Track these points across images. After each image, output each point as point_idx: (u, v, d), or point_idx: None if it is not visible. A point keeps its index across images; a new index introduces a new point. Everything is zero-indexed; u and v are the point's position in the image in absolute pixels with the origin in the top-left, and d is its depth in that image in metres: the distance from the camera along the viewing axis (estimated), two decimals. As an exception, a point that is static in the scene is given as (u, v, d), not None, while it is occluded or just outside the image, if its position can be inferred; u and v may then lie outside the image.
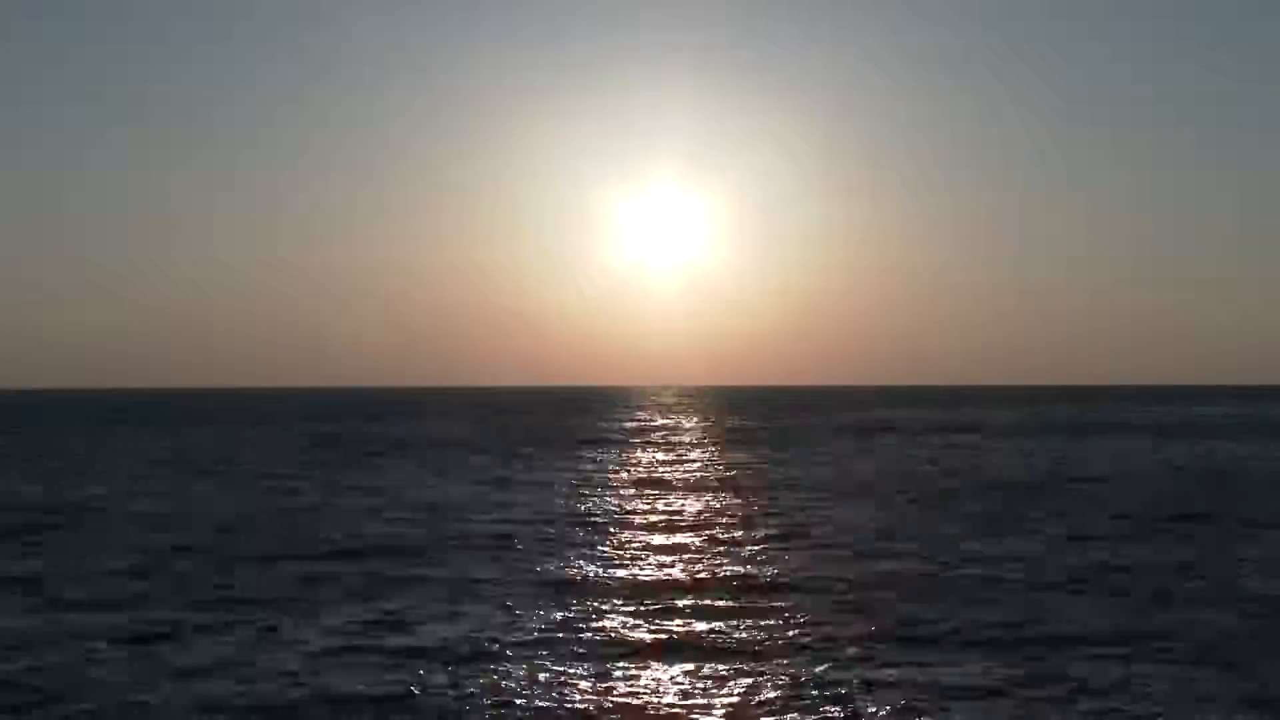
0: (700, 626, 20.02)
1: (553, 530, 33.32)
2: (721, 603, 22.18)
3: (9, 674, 16.59)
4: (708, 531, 32.63)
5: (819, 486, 46.55)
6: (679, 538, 31.39)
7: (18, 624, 20.27)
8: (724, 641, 18.83)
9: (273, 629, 19.83)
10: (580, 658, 17.75)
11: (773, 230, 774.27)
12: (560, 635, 19.30)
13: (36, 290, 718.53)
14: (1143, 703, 14.85)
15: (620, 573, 25.68)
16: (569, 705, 14.98)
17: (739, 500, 41.29)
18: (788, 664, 17.30)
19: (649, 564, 26.92)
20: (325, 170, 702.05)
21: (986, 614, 20.87)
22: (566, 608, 21.80)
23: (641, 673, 16.78)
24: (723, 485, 47.18)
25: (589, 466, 57.83)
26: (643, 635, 19.32)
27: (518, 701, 15.14)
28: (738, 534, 32.15)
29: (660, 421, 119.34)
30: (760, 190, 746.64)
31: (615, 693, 15.65)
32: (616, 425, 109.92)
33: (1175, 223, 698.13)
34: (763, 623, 20.28)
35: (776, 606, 21.77)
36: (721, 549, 29.21)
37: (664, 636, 19.22)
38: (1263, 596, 22.54)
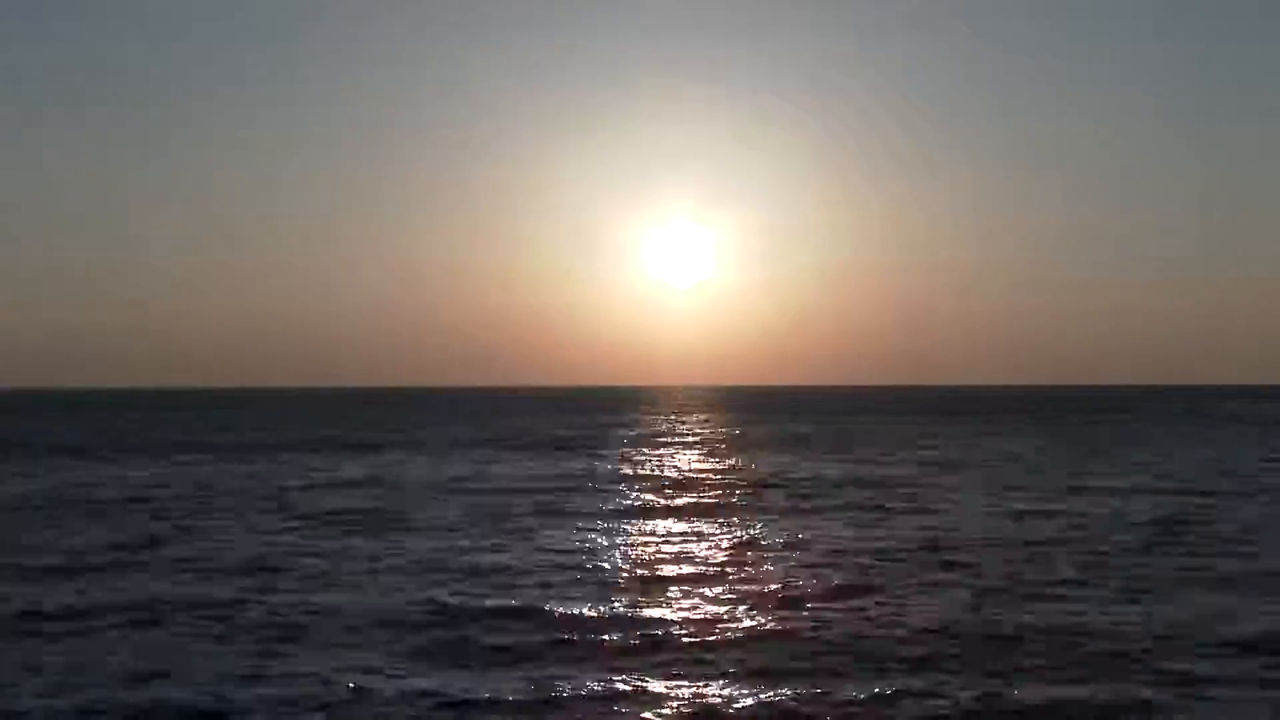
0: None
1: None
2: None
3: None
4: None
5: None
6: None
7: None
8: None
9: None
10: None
11: (780, 245, 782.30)
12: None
13: (36, 290, 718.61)
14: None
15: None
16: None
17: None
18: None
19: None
20: (333, 172, 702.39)
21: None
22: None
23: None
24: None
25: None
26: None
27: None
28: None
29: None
30: (770, 209, 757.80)
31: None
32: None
33: (1180, 221, 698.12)
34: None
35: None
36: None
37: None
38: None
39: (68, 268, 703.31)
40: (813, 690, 17.04)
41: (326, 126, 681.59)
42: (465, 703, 16.79)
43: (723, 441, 61.88)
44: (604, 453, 62.75)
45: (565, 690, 17.13)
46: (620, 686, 17.31)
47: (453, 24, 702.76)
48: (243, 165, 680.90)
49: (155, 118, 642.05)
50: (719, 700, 16.59)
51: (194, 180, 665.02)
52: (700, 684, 17.54)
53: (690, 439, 70.58)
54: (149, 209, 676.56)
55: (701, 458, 54.95)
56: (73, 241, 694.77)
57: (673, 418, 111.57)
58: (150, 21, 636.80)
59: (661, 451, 61.33)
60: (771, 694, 16.89)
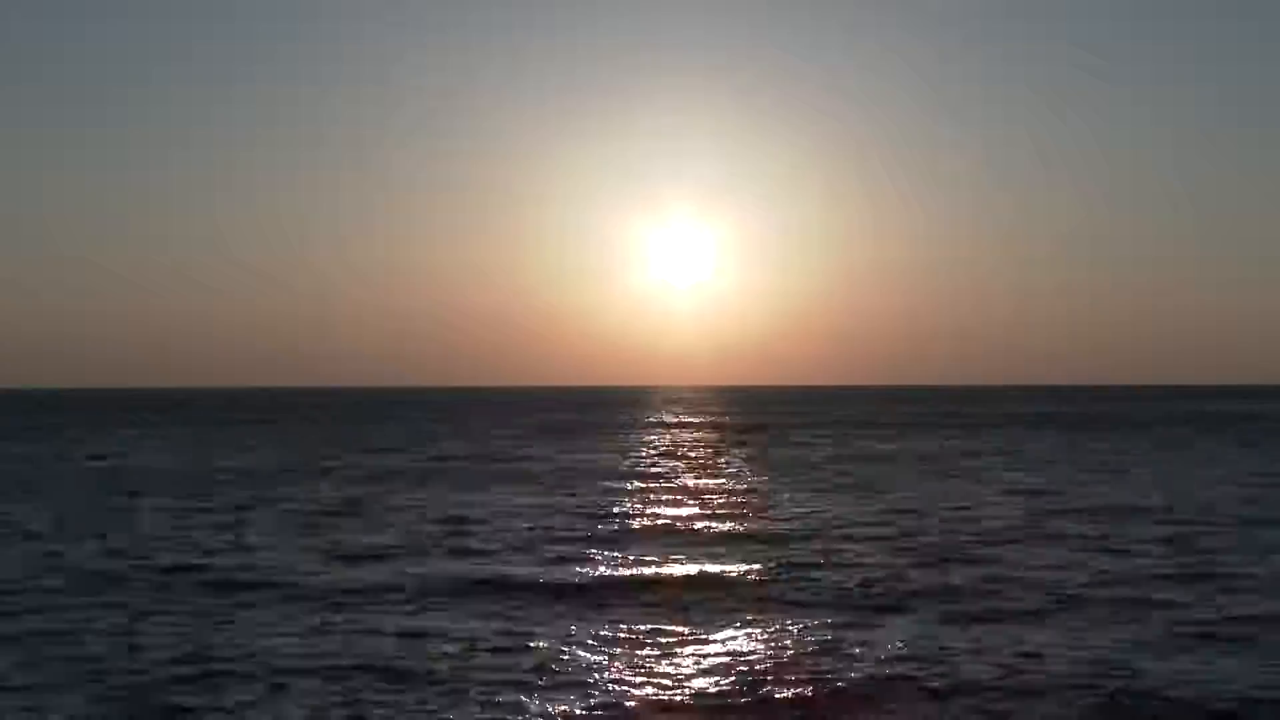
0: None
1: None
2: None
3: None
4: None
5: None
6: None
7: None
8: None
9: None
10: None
11: (781, 246, 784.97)
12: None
13: (36, 290, 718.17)
14: None
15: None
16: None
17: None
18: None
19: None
20: (333, 173, 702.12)
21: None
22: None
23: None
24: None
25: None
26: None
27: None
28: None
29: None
30: (770, 209, 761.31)
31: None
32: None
33: (1176, 222, 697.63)
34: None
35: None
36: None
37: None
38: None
39: (67, 267, 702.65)
40: None
41: (327, 126, 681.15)
42: None
43: (731, 477, 54.90)
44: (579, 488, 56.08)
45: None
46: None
47: (454, 24, 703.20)
48: (243, 165, 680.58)
49: (158, 117, 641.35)
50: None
51: (194, 180, 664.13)
52: None
53: (690, 469, 60.30)
54: (148, 209, 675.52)
55: (702, 504, 43.32)
56: (72, 242, 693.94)
57: (672, 433, 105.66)
58: (150, 21, 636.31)
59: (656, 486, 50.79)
60: None
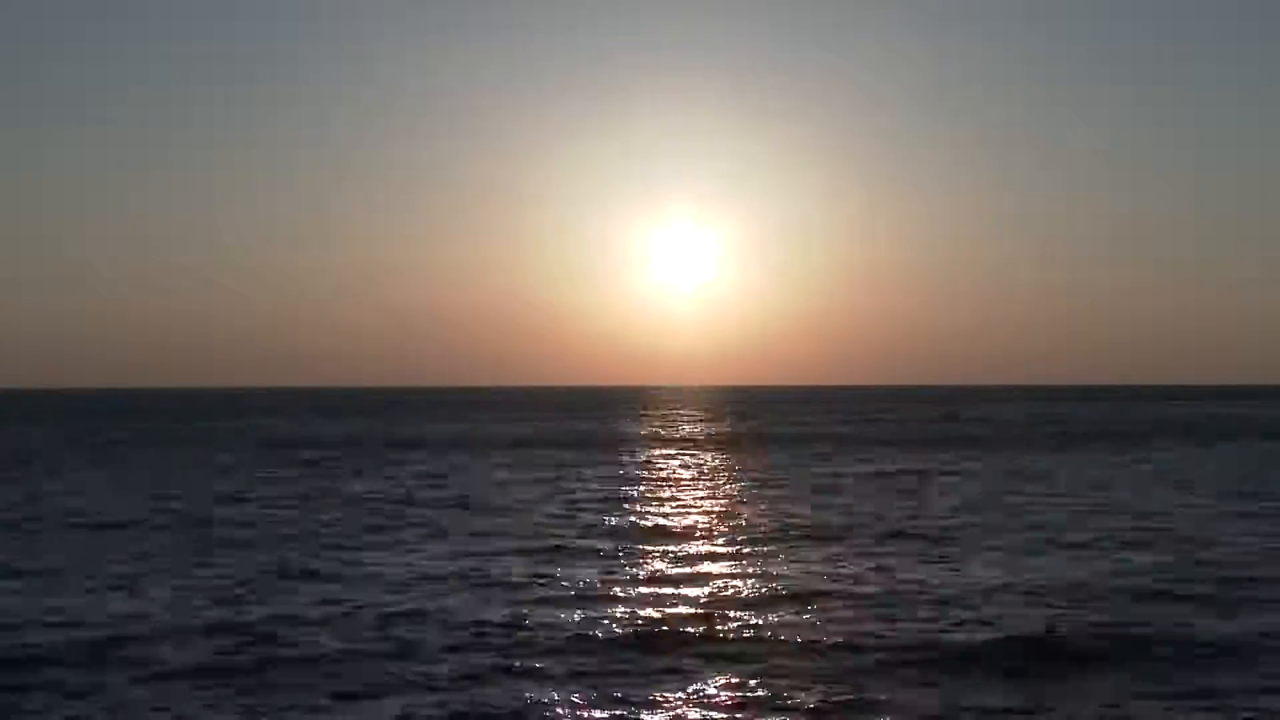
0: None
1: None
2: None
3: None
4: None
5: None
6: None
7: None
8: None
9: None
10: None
11: (782, 247, 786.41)
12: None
13: (36, 290, 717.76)
14: None
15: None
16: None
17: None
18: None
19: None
20: (334, 173, 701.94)
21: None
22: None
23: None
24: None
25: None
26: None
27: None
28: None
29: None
30: (772, 211, 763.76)
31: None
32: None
33: (1176, 222, 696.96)
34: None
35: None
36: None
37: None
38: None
39: (67, 267, 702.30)
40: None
41: (327, 127, 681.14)
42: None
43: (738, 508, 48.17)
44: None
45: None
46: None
47: (454, 24, 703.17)
48: (243, 165, 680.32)
49: (157, 117, 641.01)
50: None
51: (193, 180, 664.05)
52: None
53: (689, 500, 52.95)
54: (148, 209, 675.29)
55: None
56: (71, 241, 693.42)
57: (673, 443, 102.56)
58: (150, 21, 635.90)
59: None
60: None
